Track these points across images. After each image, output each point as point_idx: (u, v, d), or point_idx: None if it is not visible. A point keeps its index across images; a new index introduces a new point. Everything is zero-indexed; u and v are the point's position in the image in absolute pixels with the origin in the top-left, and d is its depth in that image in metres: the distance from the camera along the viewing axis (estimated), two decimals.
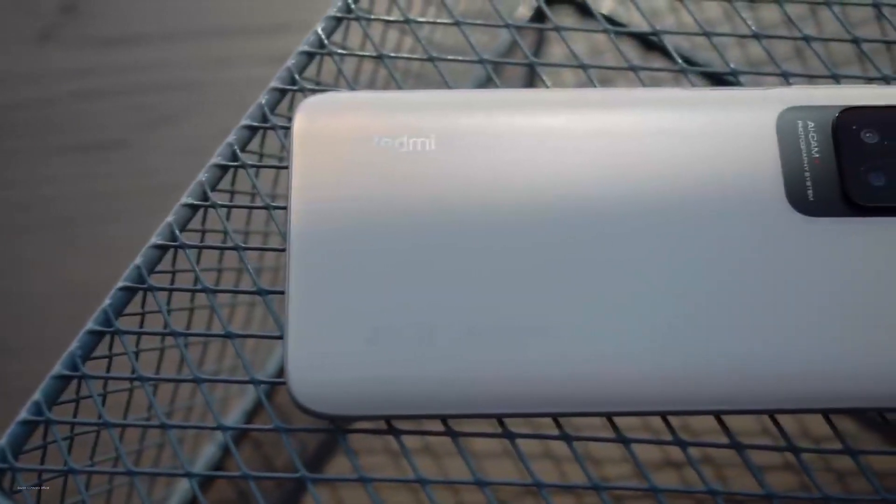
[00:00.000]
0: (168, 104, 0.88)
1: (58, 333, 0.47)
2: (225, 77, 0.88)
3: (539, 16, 0.76)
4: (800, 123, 0.40)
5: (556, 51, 0.81)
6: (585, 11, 0.76)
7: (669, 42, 0.73)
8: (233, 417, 0.67)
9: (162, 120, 0.88)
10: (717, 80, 0.44)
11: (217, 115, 0.44)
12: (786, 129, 0.39)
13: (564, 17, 0.76)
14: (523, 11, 0.77)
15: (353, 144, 0.39)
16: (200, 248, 0.41)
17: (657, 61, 0.74)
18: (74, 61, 0.91)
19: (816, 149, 0.39)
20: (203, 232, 0.43)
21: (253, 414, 0.66)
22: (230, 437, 0.67)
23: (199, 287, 0.40)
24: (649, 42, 0.75)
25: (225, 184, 0.43)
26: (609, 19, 0.75)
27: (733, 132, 0.40)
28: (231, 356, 0.65)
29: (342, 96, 0.41)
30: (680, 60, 0.44)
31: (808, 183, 0.38)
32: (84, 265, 0.80)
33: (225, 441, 0.69)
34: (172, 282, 0.42)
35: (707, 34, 0.45)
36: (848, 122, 0.39)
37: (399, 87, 0.44)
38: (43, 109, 0.89)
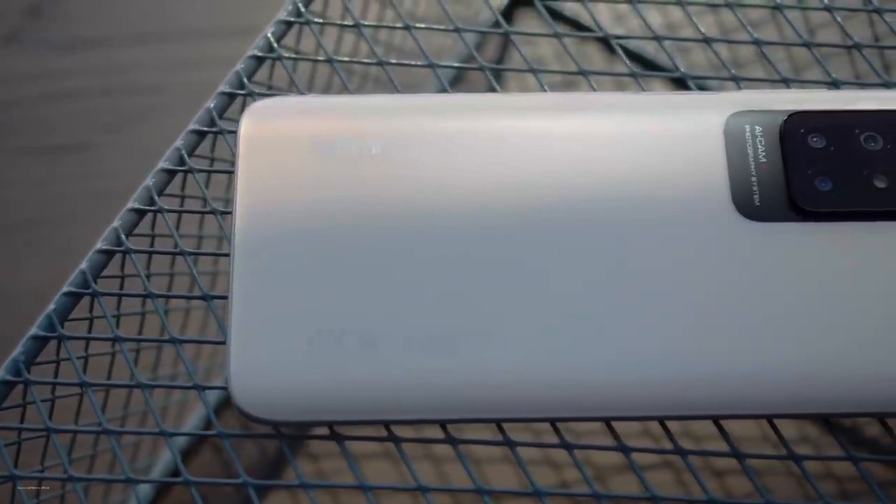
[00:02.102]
0: (133, 107, 0.88)
1: (18, 336, 0.47)
2: (189, 79, 0.88)
3: (504, 19, 0.75)
4: (747, 128, 0.39)
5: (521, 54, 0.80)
6: (553, 14, 0.76)
7: (635, 45, 0.74)
8: (192, 422, 0.67)
9: (126, 122, 0.87)
10: (683, 84, 0.44)
11: (181, 117, 0.44)
12: (733, 133, 0.39)
13: (530, 19, 0.76)
14: (489, 15, 0.77)
15: (299, 149, 0.39)
16: (146, 252, 0.41)
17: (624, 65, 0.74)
18: (38, 64, 0.90)
19: (763, 153, 0.39)
20: (153, 237, 0.43)
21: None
22: (182, 442, 0.68)
23: (144, 292, 0.40)
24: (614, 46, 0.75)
25: (177, 188, 0.43)
26: (574, 22, 0.75)
27: (681, 136, 0.39)
28: (189, 359, 0.65)
29: (289, 101, 0.41)
30: (628, 63, 0.44)
31: (755, 188, 0.38)
32: (46, 268, 0.80)
33: (184, 445, 0.70)
34: (122, 287, 0.42)
35: (657, 38, 0.45)
36: (795, 126, 0.39)
37: (349, 92, 0.44)
38: (7, 112, 0.89)
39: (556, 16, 0.75)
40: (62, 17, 0.93)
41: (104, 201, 0.82)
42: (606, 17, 0.76)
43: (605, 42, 0.63)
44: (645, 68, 0.73)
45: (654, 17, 0.70)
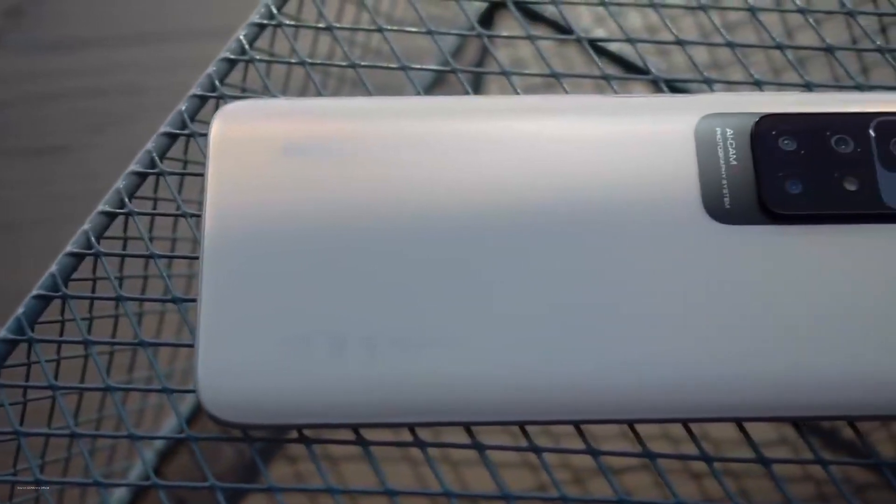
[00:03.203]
0: (114, 108, 0.88)
1: None
2: (171, 81, 0.87)
3: (484, 21, 0.75)
4: (718, 130, 0.39)
5: (502, 56, 0.80)
6: (534, 16, 0.76)
7: (617, 48, 0.73)
8: (170, 424, 0.67)
9: (108, 124, 0.87)
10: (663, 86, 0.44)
11: (163, 119, 0.44)
12: (704, 135, 0.39)
13: (512, 21, 0.76)
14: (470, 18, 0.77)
15: (269, 151, 0.39)
16: (116, 255, 0.41)
17: (605, 66, 0.74)
18: (20, 65, 0.90)
19: (734, 156, 0.39)
20: (125, 239, 0.43)
21: (191, 421, 0.66)
22: (159, 443, 0.68)
23: (114, 295, 0.40)
24: (596, 47, 0.75)
25: (150, 190, 0.43)
26: (555, 24, 0.75)
27: (652, 139, 0.39)
28: (166, 362, 0.65)
29: (259, 103, 0.41)
30: (600, 65, 0.44)
31: (725, 190, 0.38)
32: (25, 270, 0.80)
33: (162, 447, 0.69)
34: (94, 290, 0.42)
35: (630, 40, 0.45)
36: (766, 128, 0.39)
37: (320, 94, 0.44)
38: None
39: (538, 18, 0.75)
40: (44, 18, 0.92)
41: (87, 202, 0.82)
42: (589, 19, 0.76)
43: (588, 44, 0.64)
44: (626, 71, 0.73)
45: (635, 19, 0.70)
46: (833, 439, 0.67)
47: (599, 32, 0.73)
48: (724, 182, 0.38)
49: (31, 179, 0.86)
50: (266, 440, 0.38)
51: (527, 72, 0.45)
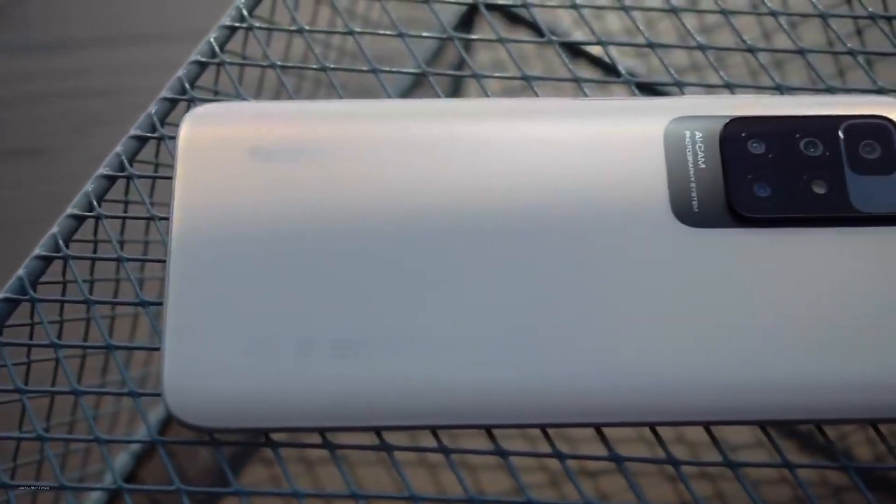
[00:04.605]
0: (97, 109, 0.88)
1: None
2: (155, 82, 0.87)
3: (465, 24, 0.76)
4: (687, 133, 0.39)
5: (483, 58, 0.80)
6: (514, 19, 0.76)
7: (599, 50, 0.73)
8: (143, 429, 0.67)
9: (90, 125, 0.87)
10: (645, 89, 0.44)
11: None
12: (673, 139, 0.39)
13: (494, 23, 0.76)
14: (450, 20, 0.77)
15: (237, 154, 0.39)
16: (84, 258, 0.41)
17: (585, 69, 0.74)
18: (8, 66, 0.90)
19: (703, 159, 0.39)
20: (95, 242, 0.42)
21: (166, 424, 0.66)
22: (135, 446, 0.68)
23: (82, 298, 0.40)
24: (577, 50, 0.75)
25: (120, 194, 0.43)
26: (535, 28, 0.75)
27: (622, 142, 0.39)
28: (140, 365, 0.65)
29: (228, 106, 0.41)
30: (570, 67, 0.44)
31: (694, 194, 0.38)
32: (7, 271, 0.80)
33: (138, 450, 0.69)
34: (63, 293, 0.42)
35: (601, 43, 0.45)
36: (735, 132, 0.39)
37: (290, 97, 0.44)
38: None
39: (518, 20, 0.75)
40: (24, 19, 0.92)
41: (66, 205, 0.82)
42: (568, 21, 0.75)
43: (566, 46, 0.64)
44: (606, 73, 0.73)
45: (614, 21, 0.70)
46: (810, 442, 0.67)
47: (579, 35, 0.73)
48: (693, 185, 0.38)
49: (21, 180, 0.86)
50: (234, 444, 0.38)
51: (497, 74, 0.45)
